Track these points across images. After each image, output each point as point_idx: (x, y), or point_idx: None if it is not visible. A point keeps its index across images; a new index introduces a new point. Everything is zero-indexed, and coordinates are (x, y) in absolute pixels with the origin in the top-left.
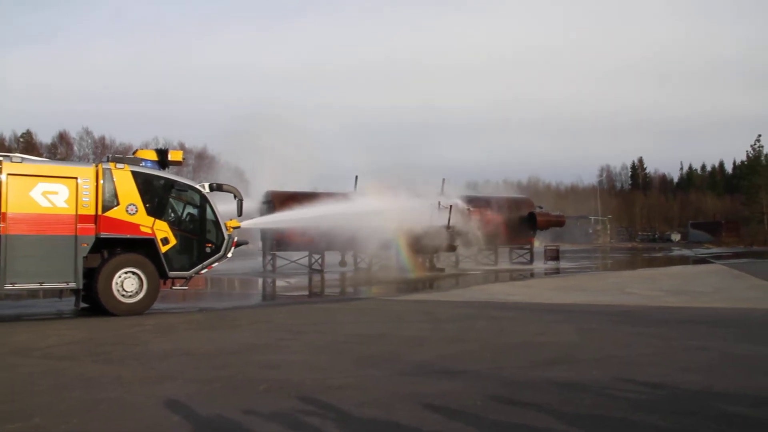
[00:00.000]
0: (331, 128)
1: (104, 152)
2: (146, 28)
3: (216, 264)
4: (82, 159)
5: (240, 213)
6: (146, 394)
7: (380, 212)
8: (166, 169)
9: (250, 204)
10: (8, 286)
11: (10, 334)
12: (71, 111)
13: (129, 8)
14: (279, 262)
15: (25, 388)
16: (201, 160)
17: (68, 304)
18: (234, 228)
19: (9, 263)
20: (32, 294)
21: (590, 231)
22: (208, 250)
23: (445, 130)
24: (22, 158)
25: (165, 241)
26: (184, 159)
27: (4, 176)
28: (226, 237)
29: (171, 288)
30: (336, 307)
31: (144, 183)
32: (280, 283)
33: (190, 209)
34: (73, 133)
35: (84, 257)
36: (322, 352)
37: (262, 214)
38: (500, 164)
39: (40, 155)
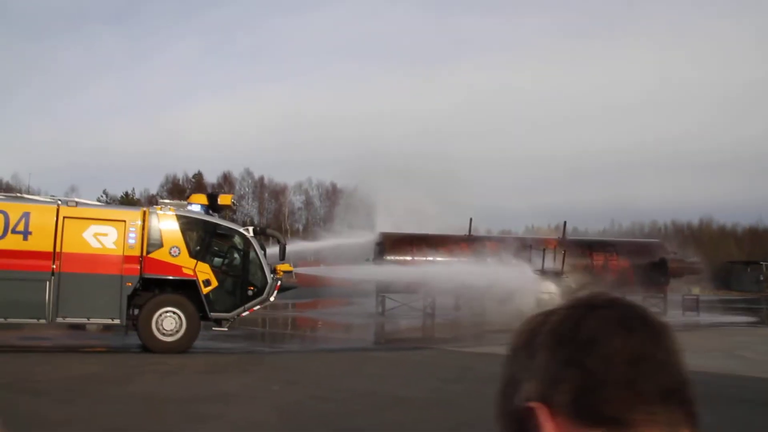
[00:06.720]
0: (499, 172)
1: (262, 191)
2: (302, 77)
3: (258, 307)
4: (242, 198)
5: (282, 257)
6: None
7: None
8: (218, 213)
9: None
10: (59, 319)
11: (37, 364)
12: (236, 152)
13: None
14: (389, 304)
15: None
16: (350, 199)
17: (136, 338)
18: (285, 272)
19: (61, 298)
20: (109, 328)
21: (761, 278)
22: (250, 292)
23: (611, 170)
24: (77, 202)
25: (207, 282)
26: (233, 203)
27: (60, 219)
28: (269, 280)
29: (212, 329)
30: (383, 356)
31: (187, 226)
32: (375, 327)
33: (233, 252)
34: (236, 173)
35: (129, 295)
36: (281, 409)
37: (374, 255)
38: (671, 205)
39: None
